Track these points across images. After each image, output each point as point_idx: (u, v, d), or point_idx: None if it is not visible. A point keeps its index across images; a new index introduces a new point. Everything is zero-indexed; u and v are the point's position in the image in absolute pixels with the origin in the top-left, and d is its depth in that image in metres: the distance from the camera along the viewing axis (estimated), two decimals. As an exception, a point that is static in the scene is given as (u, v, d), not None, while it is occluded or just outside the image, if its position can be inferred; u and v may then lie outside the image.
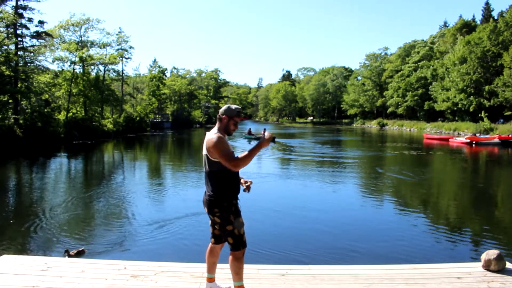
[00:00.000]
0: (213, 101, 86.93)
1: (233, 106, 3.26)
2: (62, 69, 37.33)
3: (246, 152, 3.05)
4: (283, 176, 15.13)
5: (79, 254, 5.72)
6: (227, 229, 3.11)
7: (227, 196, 3.14)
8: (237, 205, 3.21)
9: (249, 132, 37.17)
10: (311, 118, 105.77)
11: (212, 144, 3.07)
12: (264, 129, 38.53)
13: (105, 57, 41.92)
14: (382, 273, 3.82)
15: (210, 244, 3.37)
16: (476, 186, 13.94)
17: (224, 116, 3.21)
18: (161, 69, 60.08)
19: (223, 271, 3.74)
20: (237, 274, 3.17)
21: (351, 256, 6.15)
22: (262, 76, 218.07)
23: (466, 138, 31.52)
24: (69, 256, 5.48)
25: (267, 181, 13.05)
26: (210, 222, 3.29)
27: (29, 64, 29.51)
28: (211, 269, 3.40)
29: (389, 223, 8.38)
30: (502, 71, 42.05)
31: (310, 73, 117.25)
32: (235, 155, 3.06)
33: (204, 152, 3.16)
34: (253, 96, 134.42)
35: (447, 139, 34.70)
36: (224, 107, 3.27)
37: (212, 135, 3.14)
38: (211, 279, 3.40)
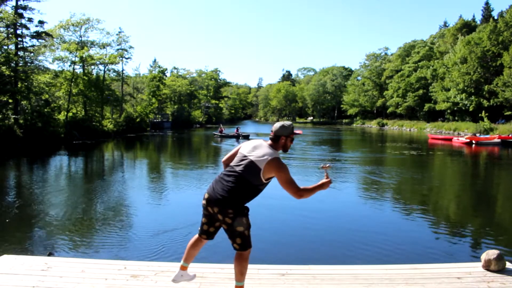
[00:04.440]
0: (213, 101, 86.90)
1: (286, 124, 3.21)
2: (62, 69, 37.37)
3: (312, 188, 3.11)
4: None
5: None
6: (238, 230, 3.06)
7: (245, 200, 3.11)
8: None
9: (221, 131, 37.87)
10: (311, 118, 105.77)
11: (278, 167, 3.01)
12: (238, 128, 39.00)
13: (105, 57, 41.92)
14: (382, 273, 3.82)
15: (197, 236, 3.29)
16: (476, 186, 13.94)
17: (282, 137, 3.17)
18: (161, 69, 60.07)
19: (223, 271, 3.75)
20: (243, 274, 3.16)
21: (351, 256, 6.15)
22: (262, 76, 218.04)
23: (466, 138, 31.56)
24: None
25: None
26: (205, 219, 3.19)
27: (29, 64, 29.48)
28: (188, 259, 3.35)
29: (389, 223, 8.38)
30: (502, 71, 42.08)
31: (310, 73, 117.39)
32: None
33: (256, 160, 3.05)
34: (253, 96, 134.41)
35: (451, 139, 34.76)
36: (278, 127, 3.20)
37: (276, 156, 3.06)
38: (185, 268, 3.36)
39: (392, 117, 71.55)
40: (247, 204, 3.16)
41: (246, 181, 3.06)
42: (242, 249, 3.11)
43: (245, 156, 3.13)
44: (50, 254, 5.40)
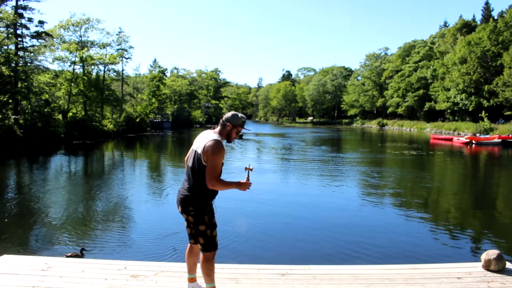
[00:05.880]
0: (213, 101, 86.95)
1: (240, 115, 3.21)
2: (62, 69, 37.41)
3: (227, 182, 3.08)
4: (283, 176, 15.13)
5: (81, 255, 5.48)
6: (200, 229, 3.07)
7: (204, 197, 3.09)
8: (212, 206, 3.17)
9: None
10: (311, 118, 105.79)
11: (212, 149, 2.98)
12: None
13: (105, 57, 41.93)
14: (382, 273, 3.82)
15: (189, 244, 3.32)
16: (476, 186, 13.94)
17: (228, 124, 3.16)
18: (161, 69, 60.12)
19: (223, 271, 3.75)
20: (208, 275, 3.13)
21: (351, 256, 6.15)
22: (262, 76, 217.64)
23: (466, 138, 31.59)
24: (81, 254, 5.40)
25: (266, 181, 13.05)
26: (185, 223, 3.23)
27: (29, 64, 29.51)
28: (192, 270, 3.36)
29: (389, 223, 8.38)
30: (502, 71, 42.08)
31: (310, 73, 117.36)
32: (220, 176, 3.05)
33: (199, 150, 3.06)
34: (253, 96, 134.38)
35: (451, 139, 34.79)
36: (230, 114, 3.20)
37: (215, 138, 3.04)
38: (192, 279, 3.36)
39: (392, 117, 71.56)
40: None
41: (198, 173, 3.06)
42: (205, 250, 3.09)
43: (193, 150, 3.19)
44: (82, 250, 5.42)
